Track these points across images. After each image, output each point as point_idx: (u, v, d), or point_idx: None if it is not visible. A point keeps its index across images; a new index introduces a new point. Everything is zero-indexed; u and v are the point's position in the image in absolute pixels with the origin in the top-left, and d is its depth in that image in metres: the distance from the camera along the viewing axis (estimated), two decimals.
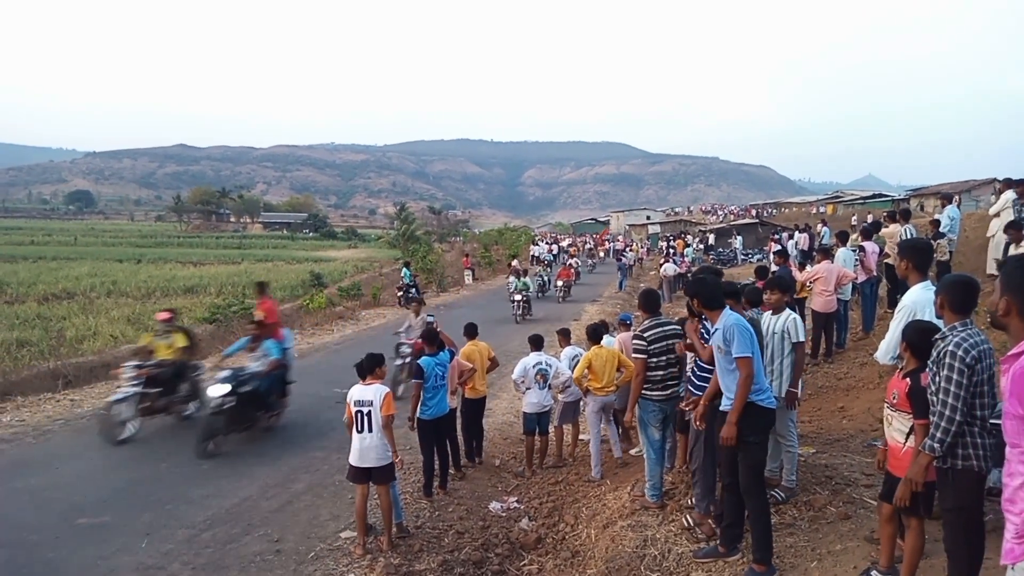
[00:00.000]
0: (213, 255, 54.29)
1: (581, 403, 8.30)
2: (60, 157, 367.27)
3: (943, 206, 12.07)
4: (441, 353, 7.27)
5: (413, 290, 23.40)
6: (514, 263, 26.36)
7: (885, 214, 14.95)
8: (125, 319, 22.00)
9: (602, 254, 44.31)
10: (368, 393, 5.83)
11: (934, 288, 4.60)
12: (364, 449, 5.77)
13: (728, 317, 4.50)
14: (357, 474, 5.85)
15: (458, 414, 8.10)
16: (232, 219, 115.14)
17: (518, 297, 20.30)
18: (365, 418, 5.77)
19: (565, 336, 9.12)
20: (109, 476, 7.61)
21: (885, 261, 11.27)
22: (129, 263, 44.77)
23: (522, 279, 21.81)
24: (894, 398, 3.83)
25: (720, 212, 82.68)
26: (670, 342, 6.01)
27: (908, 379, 3.71)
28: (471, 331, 8.66)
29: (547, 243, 44.36)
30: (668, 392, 6.00)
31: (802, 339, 5.54)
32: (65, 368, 13.12)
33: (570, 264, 28.65)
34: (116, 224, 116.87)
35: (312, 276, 30.59)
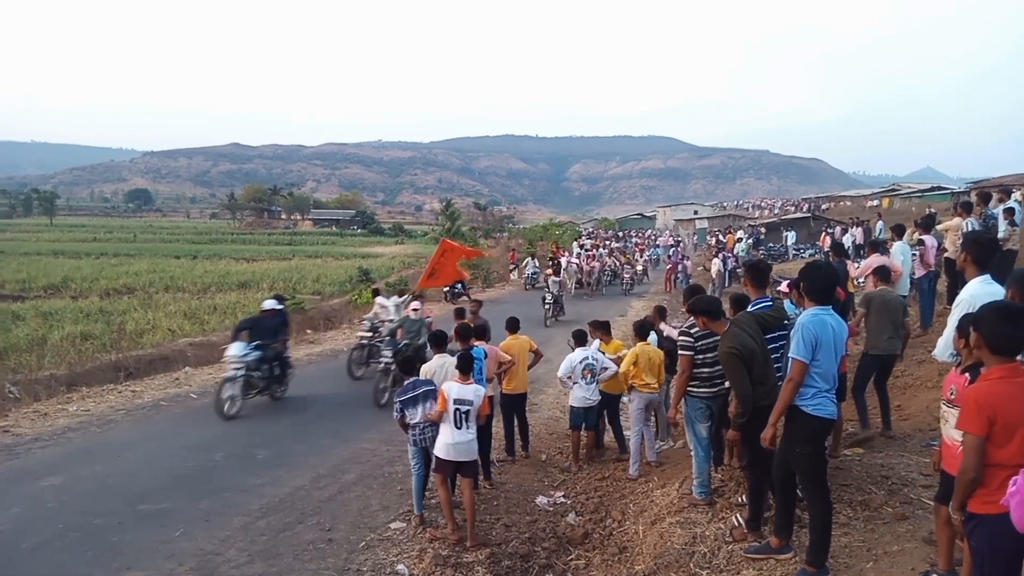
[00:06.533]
0: (265, 251, 55.50)
1: (621, 401, 8.28)
2: (120, 157, 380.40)
3: (1001, 200, 11.55)
4: (475, 347, 7.34)
5: (459, 285, 23.57)
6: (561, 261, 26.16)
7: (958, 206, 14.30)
8: (182, 313, 22.68)
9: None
10: (468, 393, 6.03)
11: (995, 283, 4.45)
12: (458, 444, 5.95)
13: (806, 315, 4.31)
14: (445, 466, 6.04)
15: (497, 408, 8.15)
16: (283, 216, 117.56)
17: (548, 298, 19.20)
18: (463, 416, 5.97)
19: (606, 331, 9.04)
20: (168, 464, 7.88)
21: (944, 256, 10.90)
22: (186, 259, 46.12)
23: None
24: (951, 394, 3.70)
25: (768, 206, 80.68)
26: (717, 338, 5.92)
27: (967, 374, 3.57)
28: (512, 325, 8.69)
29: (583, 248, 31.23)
30: (716, 389, 5.93)
31: None
32: (126, 360, 13.62)
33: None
34: (173, 221, 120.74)
35: (360, 272, 31.06)
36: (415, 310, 11.31)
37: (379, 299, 13.50)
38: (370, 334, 12.38)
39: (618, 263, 29.87)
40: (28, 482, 7.21)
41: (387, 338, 11.22)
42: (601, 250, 32.29)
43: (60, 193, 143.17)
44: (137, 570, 5.43)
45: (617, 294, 26.29)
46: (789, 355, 4.27)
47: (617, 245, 39.46)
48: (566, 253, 28.01)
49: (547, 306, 18.88)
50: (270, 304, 10.86)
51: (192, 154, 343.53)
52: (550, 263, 25.63)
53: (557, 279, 20.89)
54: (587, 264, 26.83)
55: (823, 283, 4.44)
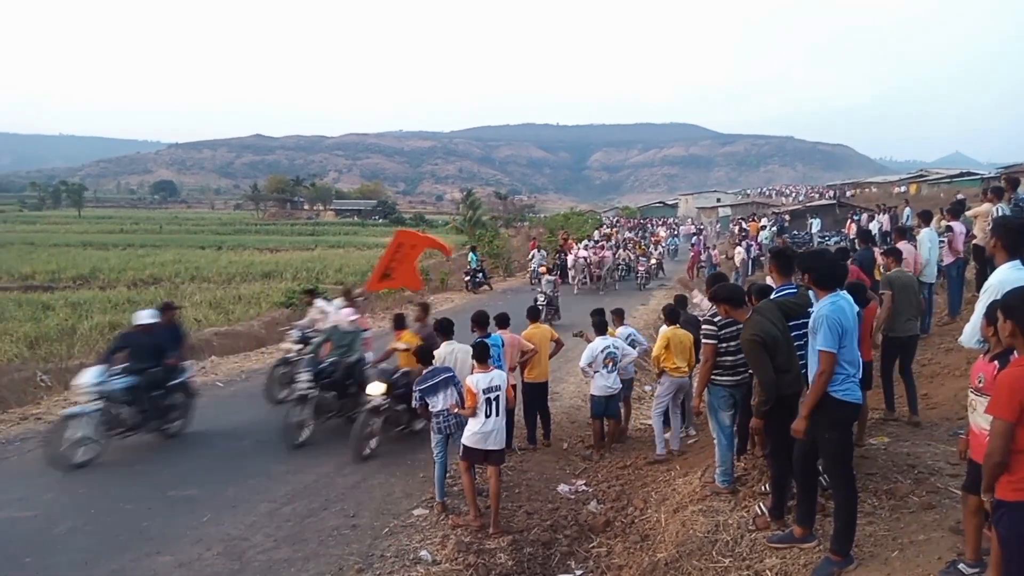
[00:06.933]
0: (288, 242, 55.85)
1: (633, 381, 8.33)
2: (146, 149, 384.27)
3: None
4: (493, 335, 7.37)
5: (480, 275, 23.61)
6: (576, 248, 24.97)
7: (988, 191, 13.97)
8: (208, 303, 22.93)
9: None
10: (496, 379, 6.05)
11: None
12: (489, 433, 5.97)
13: (824, 305, 4.29)
14: (475, 455, 6.05)
15: (519, 397, 8.16)
16: (306, 207, 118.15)
17: (541, 299, 16.32)
18: (494, 403, 5.97)
19: (619, 316, 9.08)
20: (195, 452, 8.01)
21: (973, 242, 10.69)
22: (210, 250, 46.58)
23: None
24: (980, 382, 3.64)
25: (792, 193, 79.61)
26: (741, 326, 5.89)
27: (996, 362, 3.52)
28: (533, 314, 8.72)
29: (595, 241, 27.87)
30: (739, 378, 5.91)
31: None
32: None
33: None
34: (198, 212, 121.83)
35: None
36: (350, 319, 9.04)
37: (318, 302, 10.82)
38: (300, 346, 9.88)
39: (632, 256, 26.93)
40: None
41: (310, 355, 8.80)
42: (612, 240, 30.31)
43: (87, 185, 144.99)
44: (167, 554, 5.54)
45: (632, 289, 23.75)
46: (816, 347, 4.24)
47: (630, 235, 37.37)
48: (575, 245, 25.24)
49: (540, 307, 16.22)
50: (146, 317, 8.43)
51: (216, 146, 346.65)
52: (556, 255, 24.26)
53: (551, 277, 18.49)
54: (595, 256, 23.87)
55: (829, 269, 4.49)
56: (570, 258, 23.08)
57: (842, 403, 4.23)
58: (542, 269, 20.17)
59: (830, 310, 4.23)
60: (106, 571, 5.29)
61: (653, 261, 27.70)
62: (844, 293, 4.40)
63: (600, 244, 26.64)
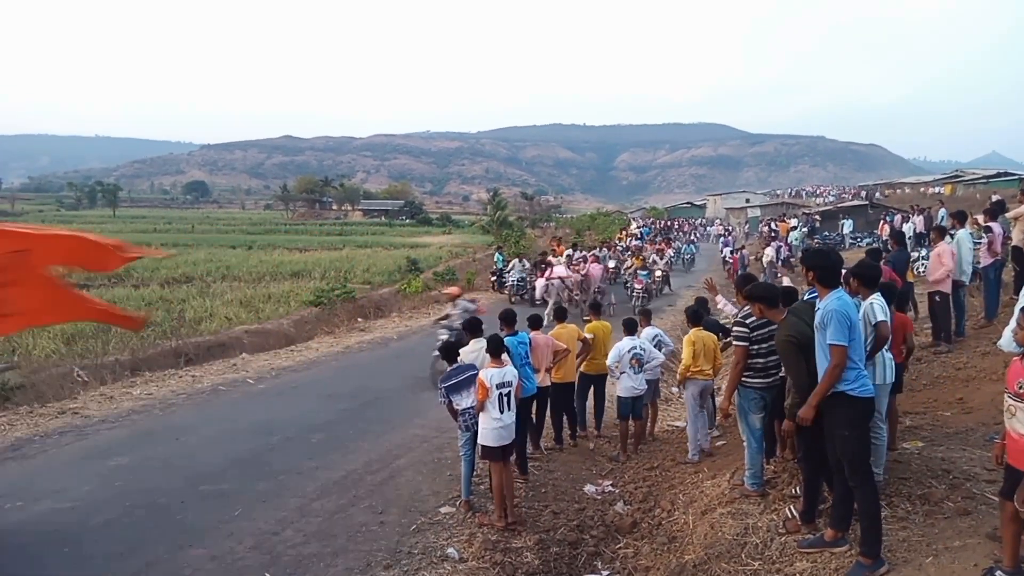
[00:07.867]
0: (317, 241, 56.27)
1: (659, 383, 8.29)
2: (179, 150, 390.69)
3: None
4: (520, 332, 7.37)
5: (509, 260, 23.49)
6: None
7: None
8: (238, 302, 23.26)
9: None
10: (509, 375, 6.10)
11: None
12: (504, 428, 6.02)
13: (831, 300, 4.32)
14: (495, 453, 6.07)
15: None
16: (334, 207, 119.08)
17: (444, 334, 10.58)
18: (506, 399, 6.02)
19: (646, 317, 9.05)
20: (226, 447, 8.13)
21: (1012, 244, 10.46)
22: (241, 249, 47.16)
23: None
24: (1019, 387, 3.58)
25: (822, 193, 78.55)
26: (773, 328, 5.83)
27: None
28: (560, 315, 8.72)
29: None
30: (770, 380, 5.85)
31: (880, 318, 5.17)
32: (186, 347, 14.08)
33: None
34: (229, 212, 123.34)
35: (409, 261, 31.26)
36: None
37: None
38: None
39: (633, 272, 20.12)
40: (97, 461, 7.54)
41: None
42: (606, 251, 24.78)
43: (122, 185, 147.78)
44: (200, 547, 5.64)
45: (628, 311, 16.00)
46: (826, 342, 4.27)
47: (637, 243, 29.70)
48: (556, 260, 19.61)
49: (435, 355, 10.17)
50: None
51: (247, 147, 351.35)
52: (539, 267, 19.36)
53: (471, 304, 11.40)
54: (576, 275, 18.45)
55: (833, 266, 4.52)
56: (540, 282, 17.92)
57: (858, 400, 4.25)
58: (454, 290, 12.50)
59: (838, 304, 4.28)
60: (141, 563, 5.40)
61: (658, 274, 21.48)
62: (843, 295, 4.46)
63: (586, 257, 21.01)
